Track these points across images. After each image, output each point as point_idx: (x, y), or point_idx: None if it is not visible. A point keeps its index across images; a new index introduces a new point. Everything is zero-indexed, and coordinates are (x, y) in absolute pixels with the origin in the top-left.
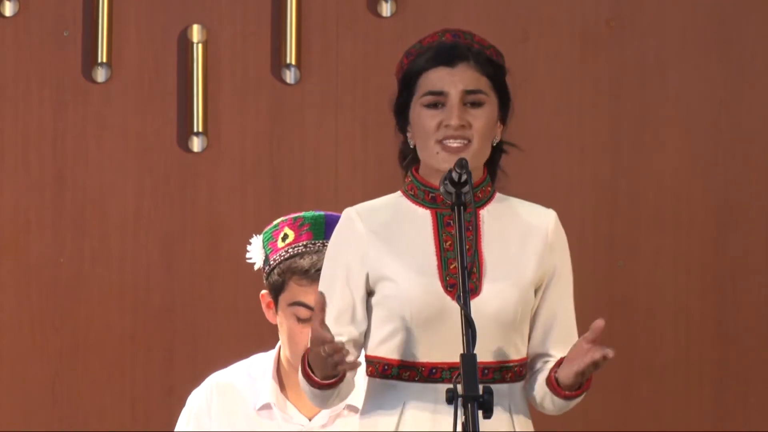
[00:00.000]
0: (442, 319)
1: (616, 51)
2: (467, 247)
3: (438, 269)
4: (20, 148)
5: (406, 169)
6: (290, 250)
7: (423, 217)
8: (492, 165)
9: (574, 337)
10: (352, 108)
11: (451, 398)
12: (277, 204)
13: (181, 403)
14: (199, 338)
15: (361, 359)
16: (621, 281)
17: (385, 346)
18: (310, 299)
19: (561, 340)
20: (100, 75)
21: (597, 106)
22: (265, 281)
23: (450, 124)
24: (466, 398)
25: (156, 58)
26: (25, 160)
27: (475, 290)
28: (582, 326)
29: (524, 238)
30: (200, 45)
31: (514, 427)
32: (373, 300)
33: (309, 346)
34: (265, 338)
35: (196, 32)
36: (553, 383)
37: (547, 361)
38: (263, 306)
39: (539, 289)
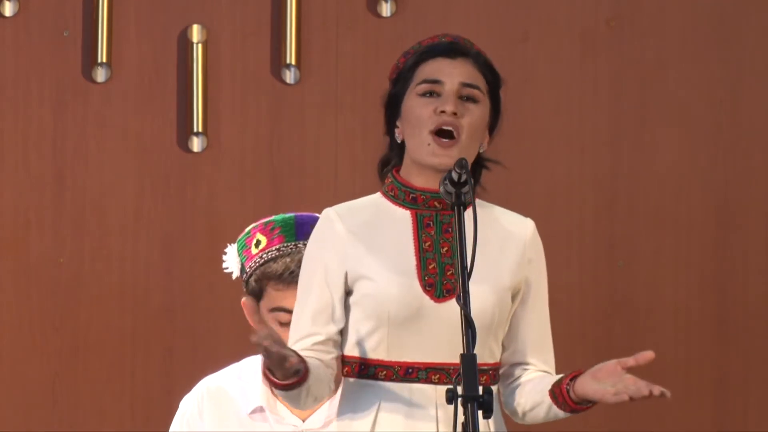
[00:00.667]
0: (419, 319)
1: (616, 51)
2: (444, 248)
3: (417, 269)
4: (20, 148)
5: (384, 177)
6: (264, 256)
7: (402, 218)
8: (474, 176)
9: (550, 345)
10: (352, 108)
11: (451, 398)
12: (277, 204)
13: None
14: (199, 338)
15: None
16: (621, 281)
17: (361, 345)
18: (289, 303)
19: (538, 348)
20: (100, 75)
21: (597, 106)
22: (244, 289)
23: (445, 110)
24: (466, 398)
25: (156, 58)
26: (25, 160)
27: (454, 290)
28: (584, 327)
29: (503, 244)
30: (200, 45)
31: (489, 429)
32: (351, 299)
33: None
34: None
35: (196, 32)
36: (564, 394)
37: (526, 369)
38: (246, 313)
39: (515, 297)
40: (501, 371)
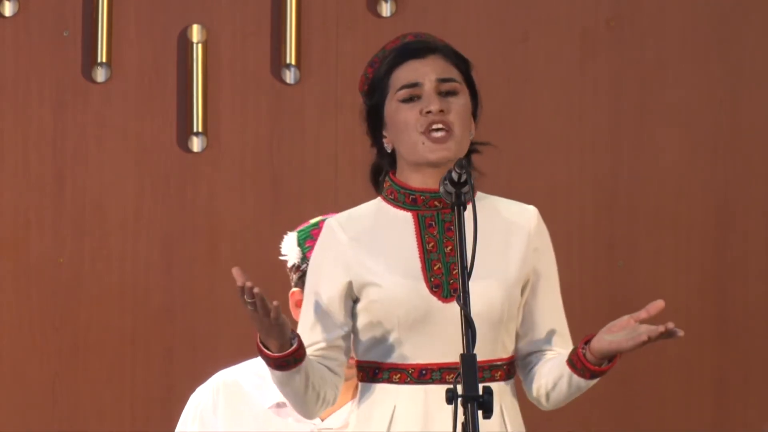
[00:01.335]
0: (428, 321)
1: (616, 51)
2: (448, 247)
3: (422, 271)
4: (20, 148)
5: (378, 185)
6: None
7: (404, 220)
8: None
9: (566, 330)
10: (352, 108)
11: (450, 398)
12: (277, 204)
13: (181, 403)
14: (199, 338)
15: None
16: (621, 281)
17: (373, 350)
18: None
19: (554, 334)
20: (100, 75)
21: (597, 106)
22: (298, 279)
23: (431, 110)
24: (466, 398)
25: (156, 58)
26: (25, 160)
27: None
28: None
29: (507, 237)
30: (200, 45)
31: (506, 426)
32: (359, 306)
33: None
34: None
35: (196, 32)
36: (581, 358)
37: (543, 355)
38: (291, 304)
39: (525, 287)
40: (518, 362)
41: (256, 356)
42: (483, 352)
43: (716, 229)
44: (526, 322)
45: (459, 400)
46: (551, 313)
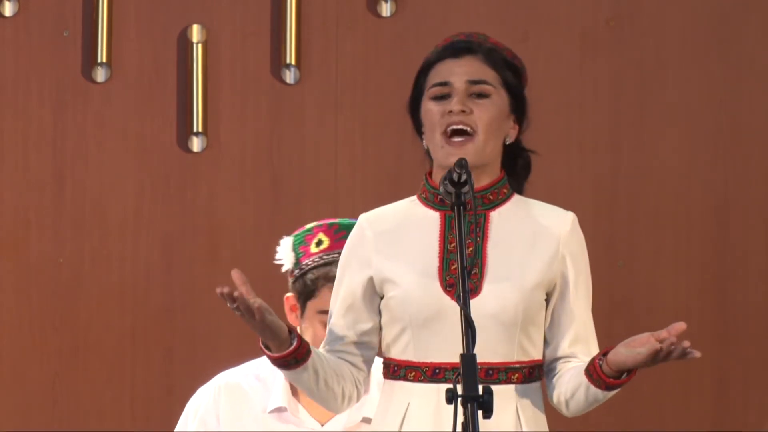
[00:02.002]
0: (441, 320)
1: (616, 51)
2: (470, 248)
3: (438, 270)
4: (20, 148)
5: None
6: (325, 257)
7: (432, 220)
8: (511, 167)
9: (592, 338)
10: (352, 108)
11: (450, 398)
12: (277, 204)
13: (181, 403)
14: (199, 338)
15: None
16: (621, 281)
17: (393, 347)
18: None
19: (579, 342)
20: (100, 75)
21: (597, 106)
22: (292, 284)
23: (452, 110)
24: (466, 398)
25: (156, 58)
26: (25, 160)
27: (476, 290)
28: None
29: (534, 241)
30: (200, 45)
31: (521, 427)
32: (382, 303)
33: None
34: None
35: (196, 32)
36: (597, 369)
37: (568, 362)
38: (286, 308)
39: (553, 293)
40: (545, 367)
41: (257, 356)
42: (497, 354)
43: (716, 229)
44: (553, 328)
45: (459, 400)
46: (577, 321)
